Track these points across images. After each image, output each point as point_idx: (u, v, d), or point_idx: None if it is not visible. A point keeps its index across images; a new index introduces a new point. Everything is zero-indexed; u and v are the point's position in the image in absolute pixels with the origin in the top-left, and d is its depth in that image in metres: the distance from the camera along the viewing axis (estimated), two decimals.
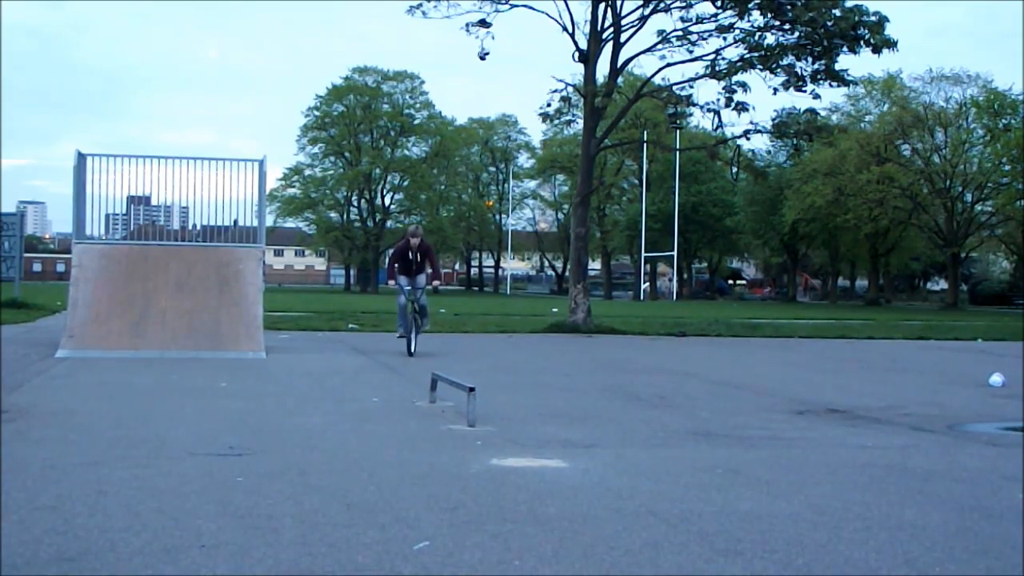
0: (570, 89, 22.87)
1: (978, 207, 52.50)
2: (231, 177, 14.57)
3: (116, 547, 3.81)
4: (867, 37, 20.33)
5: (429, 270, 14.27)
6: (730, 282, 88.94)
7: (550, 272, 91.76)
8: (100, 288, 13.32)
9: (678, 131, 43.78)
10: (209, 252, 14.20)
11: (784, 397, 9.68)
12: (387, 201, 72.83)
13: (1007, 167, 47.01)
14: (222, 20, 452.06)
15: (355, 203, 72.74)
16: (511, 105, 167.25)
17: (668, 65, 22.28)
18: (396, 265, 13.96)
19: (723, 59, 21.55)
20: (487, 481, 5.21)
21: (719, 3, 20.95)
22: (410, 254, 13.78)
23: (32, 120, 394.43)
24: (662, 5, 21.47)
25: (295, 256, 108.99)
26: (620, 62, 22.06)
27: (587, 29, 21.52)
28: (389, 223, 72.17)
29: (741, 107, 21.54)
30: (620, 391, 9.91)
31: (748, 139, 22.87)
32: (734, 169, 58.44)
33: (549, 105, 23.52)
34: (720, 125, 22.51)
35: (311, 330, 19.17)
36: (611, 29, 21.60)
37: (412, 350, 13.25)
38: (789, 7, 20.34)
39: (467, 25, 21.85)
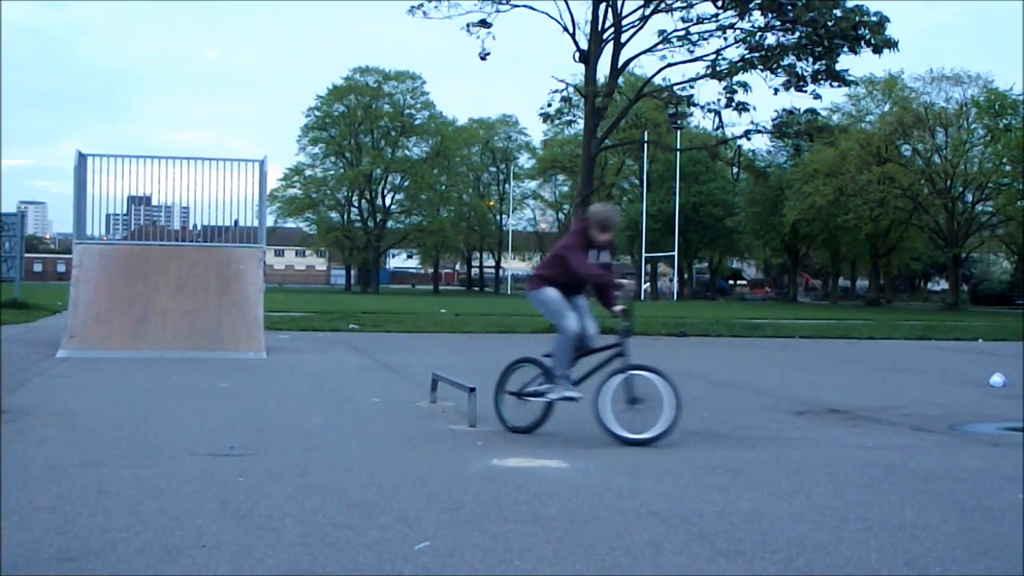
0: (571, 89, 22.91)
1: (979, 207, 52.47)
2: (231, 177, 14.58)
3: (117, 547, 3.82)
4: (868, 37, 20.35)
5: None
6: (731, 282, 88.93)
7: None
8: (101, 288, 13.32)
9: (679, 131, 43.80)
10: (210, 252, 14.19)
11: (785, 397, 9.68)
12: (388, 201, 72.81)
13: (1008, 167, 46.95)
14: (222, 20, 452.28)
15: (356, 203, 72.73)
16: (512, 105, 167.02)
17: (669, 65, 22.34)
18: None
19: (724, 59, 21.58)
20: (487, 481, 5.21)
21: (720, 3, 20.97)
22: (593, 257, 7.21)
23: (32, 120, 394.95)
24: (663, 5, 21.49)
25: (296, 256, 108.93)
26: (621, 62, 22.09)
27: (587, 29, 21.55)
28: (390, 223, 72.21)
29: (742, 107, 21.58)
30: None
31: (749, 139, 22.97)
32: (735, 169, 58.57)
33: (550, 105, 23.60)
34: (721, 125, 22.59)
35: (312, 330, 19.16)
36: (612, 29, 21.62)
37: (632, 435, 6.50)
38: (790, 7, 20.36)
39: (468, 25, 21.90)
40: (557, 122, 29.23)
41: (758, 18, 21.08)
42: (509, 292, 77.84)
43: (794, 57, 21.06)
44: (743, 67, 21.20)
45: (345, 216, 72.61)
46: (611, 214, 7.14)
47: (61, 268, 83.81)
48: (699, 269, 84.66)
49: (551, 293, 7.14)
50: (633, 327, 6.92)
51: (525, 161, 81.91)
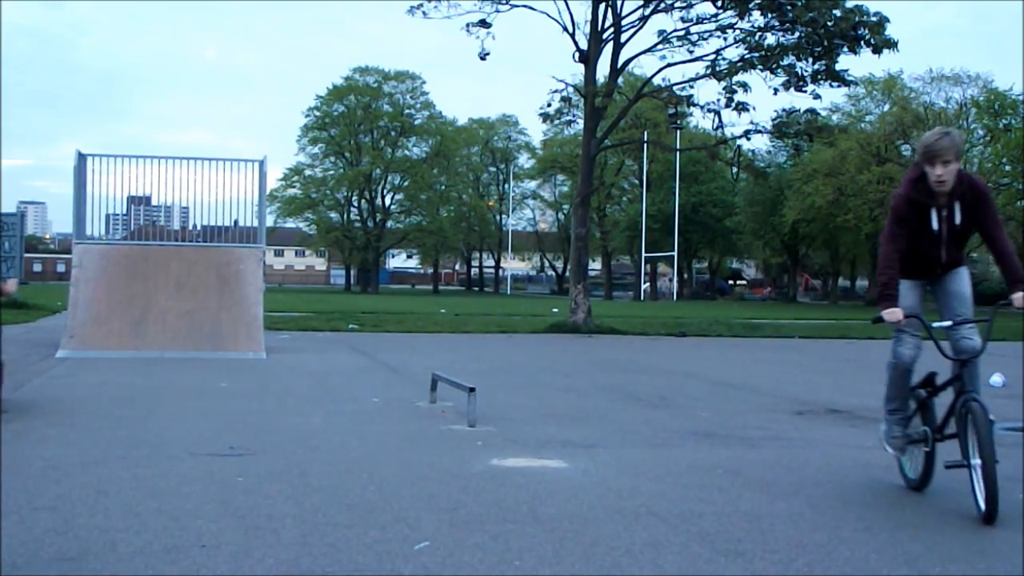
0: (570, 89, 22.91)
1: None
2: (231, 177, 14.60)
3: (116, 547, 3.82)
4: (867, 37, 20.35)
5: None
6: (730, 282, 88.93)
7: (550, 272, 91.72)
8: (100, 288, 13.32)
9: (678, 131, 43.77)
10: (209, 252, 14.20)
11: (784, 397, 9.68)
12: (387, 201, 72.82)
13: (1008, 167, 46.97)
14: (221, 20, 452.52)
15: (355, 203, 72.74)
16: (511, 105, 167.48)
17: (668, 65, 22.33)
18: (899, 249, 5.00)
19: (723, 59, 21.58)
20: (487, 481, 5.21)
21: (719, 3, 20.96)
22: (935, 216, 4.94)
23: (32, 120, 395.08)
24: (662, 5, 21.50)
25: (295, 256, 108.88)
26: (620, 62, 22.09)
27: (587, 29, 21.56)
28: (389, 223, 72.23)
29: (741, 107, 21.57)
30: (620, 391, 9.90)
31: (748, 139, 22.92)
32: (734, 169, 58.49)
33: (549, 105, 23.59)
34: (720, 125, 22.54)
35: (311, 330, 19.16)
36: (611, 29, 21.63)
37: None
38: (789, 7, 20.36)
39: (467, 25, 21.91)
40: (557, 122, 29.23)
41: (758, 18, 21.09)
42: (509, 292, 77.85)
43: (794, 57, 21.06)
44: (743, 67, 21.20)
45: (345, 216, 72.62)
46: (932, 138, 4.70)
47: (61, 268, 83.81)
48: (699, 269, 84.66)
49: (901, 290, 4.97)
50: (970, 337, 5.26)
51: (525, 161, 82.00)
